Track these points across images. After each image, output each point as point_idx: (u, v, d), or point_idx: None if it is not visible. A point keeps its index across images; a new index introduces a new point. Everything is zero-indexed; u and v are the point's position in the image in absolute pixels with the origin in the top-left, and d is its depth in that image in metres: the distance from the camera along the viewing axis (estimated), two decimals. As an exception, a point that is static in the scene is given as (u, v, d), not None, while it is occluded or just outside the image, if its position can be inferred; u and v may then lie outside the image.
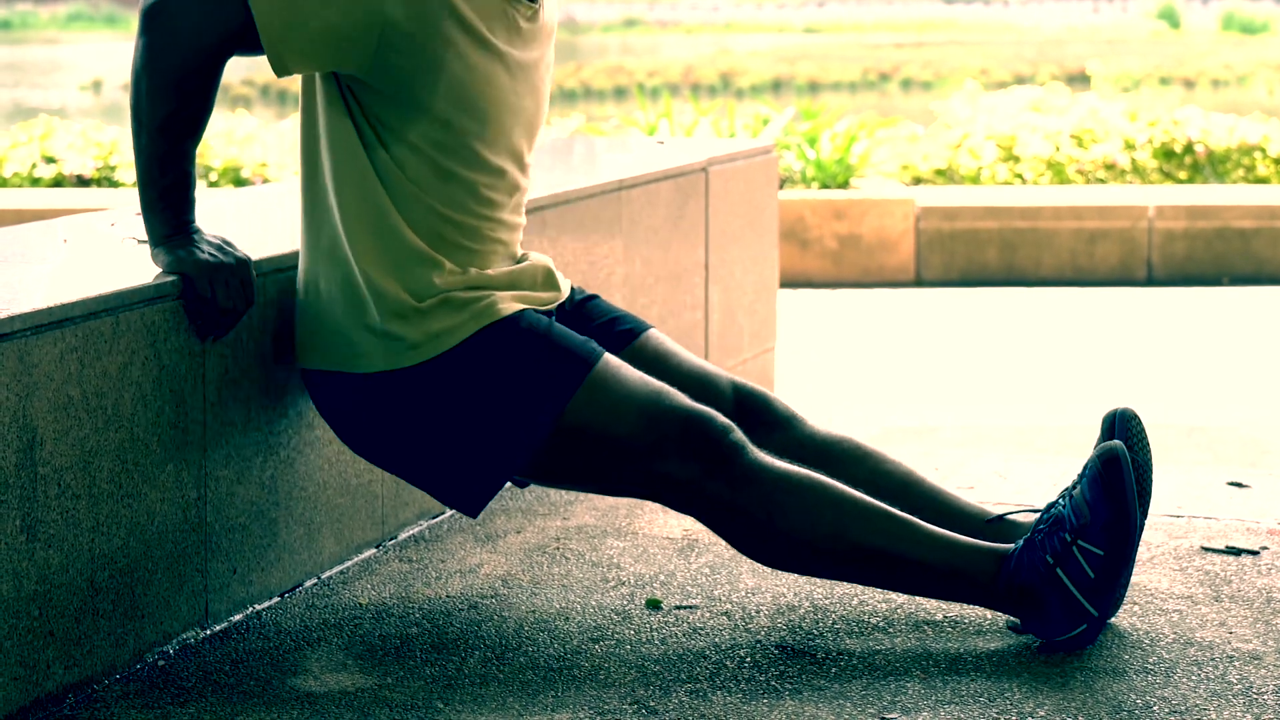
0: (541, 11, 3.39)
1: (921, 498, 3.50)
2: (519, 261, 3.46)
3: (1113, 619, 3.40)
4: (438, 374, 3.28)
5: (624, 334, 3.57)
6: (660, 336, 3.61)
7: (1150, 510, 3.98)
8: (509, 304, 3.34)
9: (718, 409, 3.50)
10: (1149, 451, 3.36)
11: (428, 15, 3.21)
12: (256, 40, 3.18)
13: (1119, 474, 3.19)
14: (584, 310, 3.58)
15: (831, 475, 3.42)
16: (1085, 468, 3.24)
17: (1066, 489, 3.29)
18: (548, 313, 3.45)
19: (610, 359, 3.33)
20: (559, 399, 3.28)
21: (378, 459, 3.41)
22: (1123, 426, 3.34)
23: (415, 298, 3.28)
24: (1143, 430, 3.37)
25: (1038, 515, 3.39)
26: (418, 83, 3.23)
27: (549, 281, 3.48)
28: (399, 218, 3.28)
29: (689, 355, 3.62)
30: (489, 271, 3.35)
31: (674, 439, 3.28)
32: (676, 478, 3.29)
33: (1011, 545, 3.29)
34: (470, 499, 3.36)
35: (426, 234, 3.30)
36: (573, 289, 3.62)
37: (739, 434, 3.30)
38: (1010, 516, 3.50)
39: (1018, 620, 3.31)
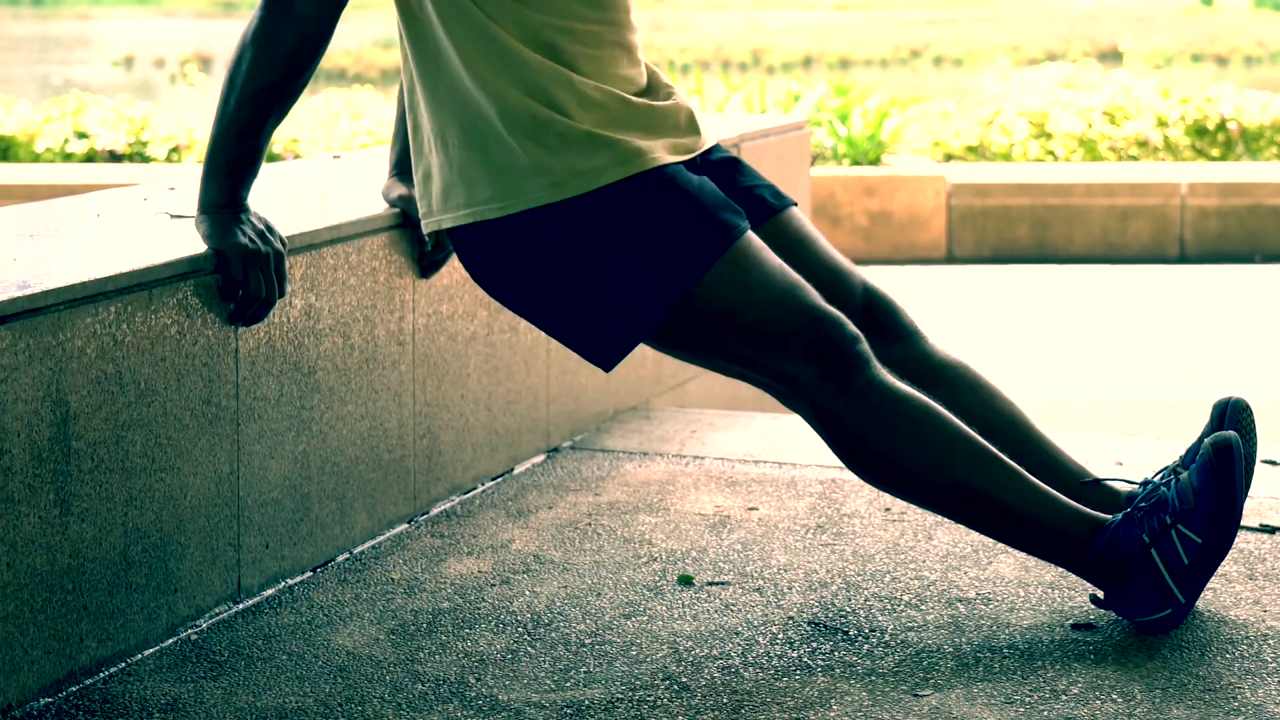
0: None
1: (1027, 442, 3.44)
2: (657, 89, 3.40)
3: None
4: (578, 215, 3.23)
5: (766, 205, 3.49)
6: (802, 218, 3.53)
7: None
8: (660, 154, 3.28)
9: (845, 305, 3.45)
10: (1255, 444, 3.32)
11: None
12: None
13: (1230, 466, 3.14)
14: (731, 172, 3.50)
15: (941, 397, 3.37)
16: (1198, 453, 3.19)
17: (1171, 468, 3.26)
18: (691, 163, 3.39)
19: (753, 238, 3.26)
20: (696, 268, 3.22)
21: (519, 306, 3.34)
22: (1234, 416, 3.29)
23: (557, 111, 3.22)
24: (1253, 422, 3.31)
25: (1134, 488, 3.37)
26: None
27: (691, 125, 3.41)
28: (513, 39, 3.22)
29: (826, 245, 3.53)
30: (633, 100, 3.30)
31: (801, 336, 3.22)
32: (793, 374, 3.23)
33: (1111, 516, 3.26)
34: (604, 354, 3.31)
35: (544, 48, 3.23)
36: (718, 144, 3.54)
37: (866, 346, 3.24)
38: (1108, 482, 3.45)
39: (1100, 594, 3.29)
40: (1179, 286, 9.29)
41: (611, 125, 3.26)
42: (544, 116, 3.23)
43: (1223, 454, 3.15)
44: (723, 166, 3.50)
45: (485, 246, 3.29)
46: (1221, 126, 11.36)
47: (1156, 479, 3.28)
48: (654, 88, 3.41)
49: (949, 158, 11.35)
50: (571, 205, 3.22)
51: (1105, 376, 7.15)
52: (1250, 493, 4.07)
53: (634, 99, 3.31)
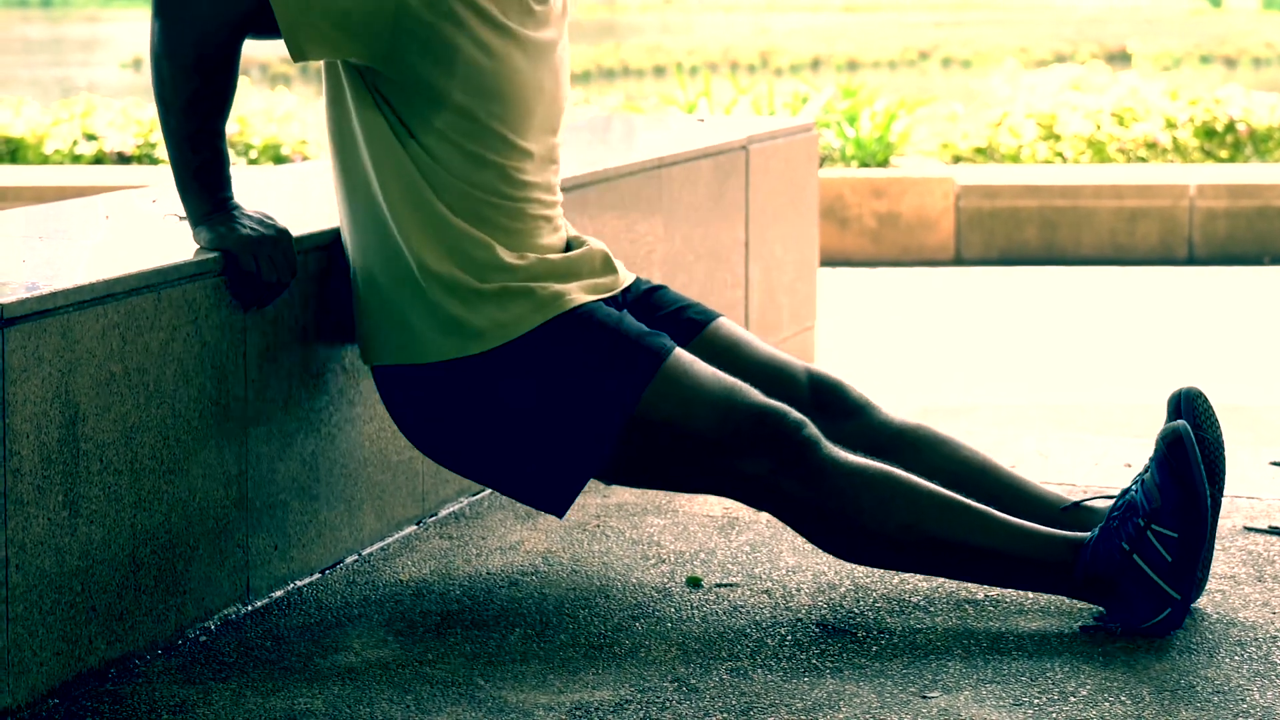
0: None
1: (997, 485, 3.46)
2: (575, 247, 3.45)
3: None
4: (505, 365, 3.27)
5: (692, 323, 3.54)
6: (730, 325, 3.58)
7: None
8: (577, 295, 3.33)
9: (792, 397, 3.47)
10: (1218, 428, 3.31)
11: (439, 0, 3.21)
12: (273, 23, 3.19)
13: (1183, 454, 3.15)
14: (651, 300, 3.55)
15: (906, 463, 3.40)
16: (1153, 451, 3.21)
17: (1139, 474, 3.27)
18: (611, 300, 3.44)
19: (682, 353, 3.31)
20: (631, 394, 3.26)
21: (451, 460, 3.39)
22: (1189, 405, 3.29)
23: (475, 278, 3.27)
24: (1209, 407, 3.31)
25: (1113, 501, 3.37)
26: (435, 71, 3.23)
27: (607, 266, 3.46)
28: (440, 203, 3.28)
29: (760, 344, 3.57)
30: (550, 257, 3.35)
31: (746, 435, 3.26)
32: (749, 474, 3.27)
33: (1088, 534, 3.27)
34: (554, 498, 3.34)
35: (469, 216, 3.29)
36: (638, 279, 3.59)
37: (812, 429, 3.28)
38: (1087, 503, 3.46)
39: (1103, 609, 3.29)
40: (1187, 288, 9.28)
41: (528, 278, 3.30)
42: (462, 280, 3.27)
43: (1174, 446, 3.16)
44: (644, 298, 3.55)
45: (409, 393, 3.34)
46: (1230, 128, 11.35)
47: (1130, 486, 3.29)
48: (570, 246, 3.46)
49: (957, 159, 11.35)
50: (496, 355, 3.27)
51: (1113, 378, 7.15)
52: (1258, 494, 4.06)
53: (551, 257, 3.37)
